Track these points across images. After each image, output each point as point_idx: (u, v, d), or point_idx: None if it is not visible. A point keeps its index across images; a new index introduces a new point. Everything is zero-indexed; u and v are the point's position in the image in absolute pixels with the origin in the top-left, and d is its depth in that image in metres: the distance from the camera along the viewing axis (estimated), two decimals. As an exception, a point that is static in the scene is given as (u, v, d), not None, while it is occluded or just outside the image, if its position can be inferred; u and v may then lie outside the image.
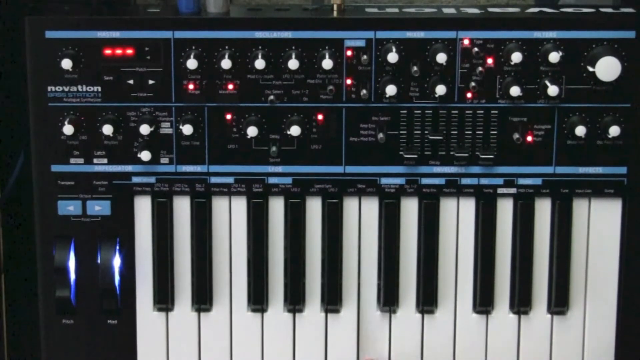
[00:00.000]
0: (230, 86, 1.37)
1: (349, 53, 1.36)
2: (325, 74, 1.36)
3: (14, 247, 1.47)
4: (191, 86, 1.37)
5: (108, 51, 1.36)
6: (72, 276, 1.40)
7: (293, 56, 1.35)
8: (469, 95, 1.37)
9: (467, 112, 1.37)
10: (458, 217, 1.40)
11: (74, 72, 1.36)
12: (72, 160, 1.38)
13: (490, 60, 1.36)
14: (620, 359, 1.42)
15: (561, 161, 1.38)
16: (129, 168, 1.39)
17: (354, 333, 1.43)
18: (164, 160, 1.39)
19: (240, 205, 1.41)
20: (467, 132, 1.37)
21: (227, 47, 1.36)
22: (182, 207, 1.40)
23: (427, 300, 1.41)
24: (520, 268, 1.41)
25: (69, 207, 1.39)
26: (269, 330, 1.43)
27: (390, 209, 1.40)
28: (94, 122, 1.37)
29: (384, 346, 1.43)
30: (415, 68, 1.35)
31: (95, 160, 1.38)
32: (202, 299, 1.42)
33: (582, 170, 1.38)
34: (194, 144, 1.38)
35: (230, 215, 1.41)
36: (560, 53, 1.33)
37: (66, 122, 1.36)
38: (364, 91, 1.36)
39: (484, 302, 1.41)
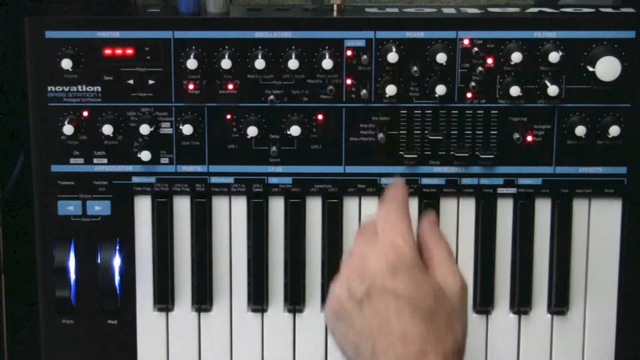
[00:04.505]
0: (230, 86, 1.37)
1: (349, 53, 1.36)
2: (325, 74, 1.36)
3: (14, 247, 1.47)
4: (191, 86, 1.37)
5: (108, 51, 1.35)
6: (72, 276, 1.40)
7: (293, 56, 1.34)
8: (469, 95, 1.37)
9: (467, 112, 1.37)
10: (458, 217, 1.40)
11: (74, 72, 1.36)
12: (72, 160, 1.38)
13: (490, 60, 1.36)
14: (620, 359, 1.42)
15: (561, 161, 1.38)
16: (129, 168, 1.39)
17: (354, 333, 1.43)
18: (164, 160, 1.38)
19: (240, 205, 1.41)
20: (467, 132, 1.37)
21: (227, 47, 1.36)
22: (182, 207, 1.40)
23: (427, 300, 1.41)
24: (520, 268, 1.41)
25: (69, 207, 1.39)
26: (269, 330, 1.43)
27: (390, 209, 1.40)
28: (94, 122, 1.37)
29: (384, 346, 1.43)
30: (415, 68, 1.35)
31: (95, 160, 1.38)
32: (202, 299, 1.42)
33: (582, 170, 1.38)
34: (194, 144, 1.38)
35: (230, 215, 1.41)
36: (560, 53, 1.33)
37: (66, 122, 1.36)
38: (364, 91, 1.36)
39: (484, 302, 1.41)
